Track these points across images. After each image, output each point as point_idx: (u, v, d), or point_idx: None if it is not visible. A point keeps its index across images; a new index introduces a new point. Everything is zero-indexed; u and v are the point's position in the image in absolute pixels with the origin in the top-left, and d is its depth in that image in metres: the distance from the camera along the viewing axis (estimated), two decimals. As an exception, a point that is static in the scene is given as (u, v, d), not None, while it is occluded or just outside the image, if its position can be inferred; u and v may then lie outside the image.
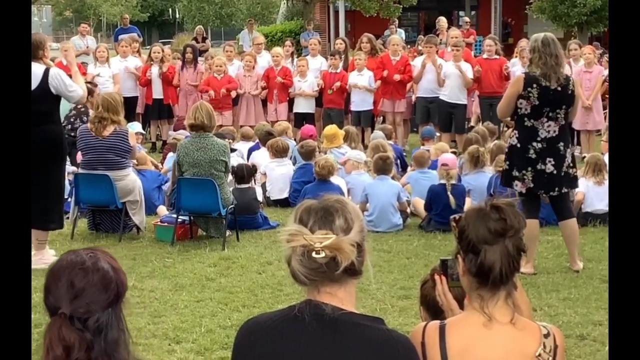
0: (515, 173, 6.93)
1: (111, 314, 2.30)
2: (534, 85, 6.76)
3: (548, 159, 6.86)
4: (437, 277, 2.86)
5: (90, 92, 10.87)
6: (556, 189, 6.95)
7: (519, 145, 6.93)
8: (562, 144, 6.91)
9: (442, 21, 18.99)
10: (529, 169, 6.88)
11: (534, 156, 6.87)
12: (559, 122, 6.87)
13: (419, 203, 9.08)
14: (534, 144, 6.86)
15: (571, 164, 7.01)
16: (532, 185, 6.90)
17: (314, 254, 2.25)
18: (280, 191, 9.99)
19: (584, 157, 12.13)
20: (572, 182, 7.15)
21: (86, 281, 2.28)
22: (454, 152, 10.58)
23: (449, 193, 8.60)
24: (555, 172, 6.88)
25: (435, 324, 2.66)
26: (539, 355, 2.56)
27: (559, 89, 6.79)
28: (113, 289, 2.32)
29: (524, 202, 7.10)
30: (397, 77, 13.51)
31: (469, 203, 8.71)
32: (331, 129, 11.10)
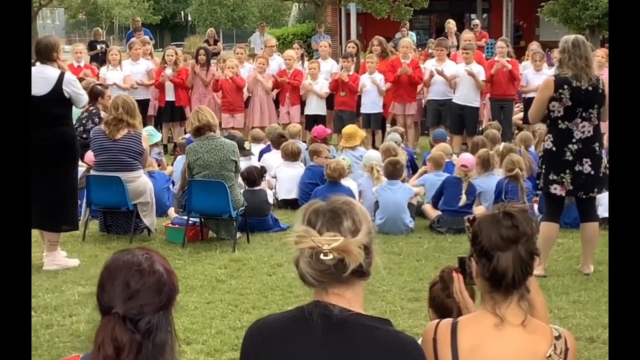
0: (553, 177, 6.87)
1: (162, 317, 2.32)
2: (565, 87, 6.73)
3: (585, 159, 6.81)
4: (454, 274, 2.89)
5: (101, 94, 10.96)
6: (595, 190, 6.91)
7: (554, 148, 6.87)
8: (597, 144, 6.86)
9: (451, 24, 19.01)
10: (567, 171, 6.82)
11: (570, 158, 6.81)
12: (593, 122, 6.82)
13: (430, 209, 9.08)
14: (570, 145, 6.81)
15: (607, 165, 6.91)
16: (571, 187, 6.85)
17: (321, 256, 2.26)
18: (287, 191, 10.00)
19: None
20: (607, 183, 7.12)
21: (142, 283, 2.30)
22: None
23: (462, 187, 8.64)
24: (593, 172, 6.82)
25: (447, 321, 2.70)
26: (549, 356, 2.58)
27: (590, 88, 6.75)
28: (166, 291, 2.34)
29: (549, 204, 7.05)
30: (409, 70, 13.38)
31: (479, 206, 8.74)
32: (350, 127, 11.16)
